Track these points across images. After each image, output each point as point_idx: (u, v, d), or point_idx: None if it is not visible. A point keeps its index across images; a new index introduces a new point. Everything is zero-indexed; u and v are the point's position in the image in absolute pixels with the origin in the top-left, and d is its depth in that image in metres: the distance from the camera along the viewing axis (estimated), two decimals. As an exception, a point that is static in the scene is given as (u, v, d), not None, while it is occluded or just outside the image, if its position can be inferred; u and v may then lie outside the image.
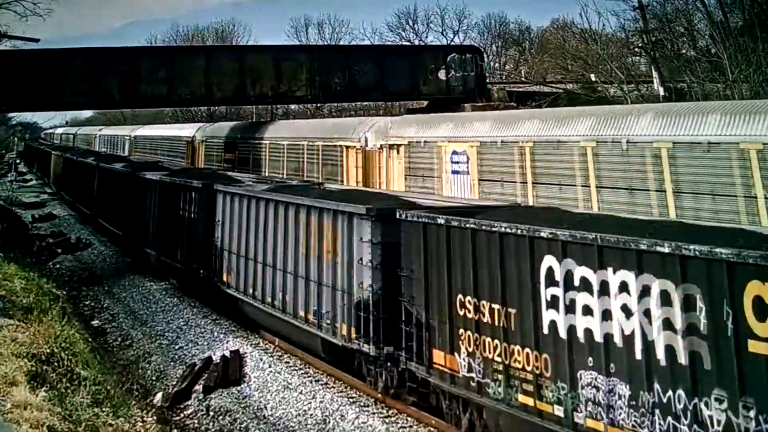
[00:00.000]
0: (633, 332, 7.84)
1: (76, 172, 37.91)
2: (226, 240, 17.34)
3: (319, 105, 46.10)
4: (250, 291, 16.02)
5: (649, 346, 7.66)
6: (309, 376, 13.60)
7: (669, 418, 7.44)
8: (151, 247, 22.21)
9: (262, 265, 15.52)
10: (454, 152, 20.20)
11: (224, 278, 17.39)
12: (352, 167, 24.36)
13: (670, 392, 7.44)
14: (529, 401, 9.08)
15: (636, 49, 31.69)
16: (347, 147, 24.61)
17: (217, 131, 37.83)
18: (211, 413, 13.10)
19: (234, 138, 34.67)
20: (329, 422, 11.79)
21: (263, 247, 15.52)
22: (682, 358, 7.34)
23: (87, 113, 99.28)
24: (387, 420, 11.49)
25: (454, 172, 20.13)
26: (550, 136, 17.21)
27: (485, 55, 37.84)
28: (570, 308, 8.56)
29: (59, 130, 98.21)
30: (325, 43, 60.92)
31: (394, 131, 22.97)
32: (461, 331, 10.17)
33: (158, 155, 43.70)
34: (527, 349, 9.12)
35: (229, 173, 23.87)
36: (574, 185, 16.35)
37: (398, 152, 22.33)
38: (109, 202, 28.85)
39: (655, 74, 25.98)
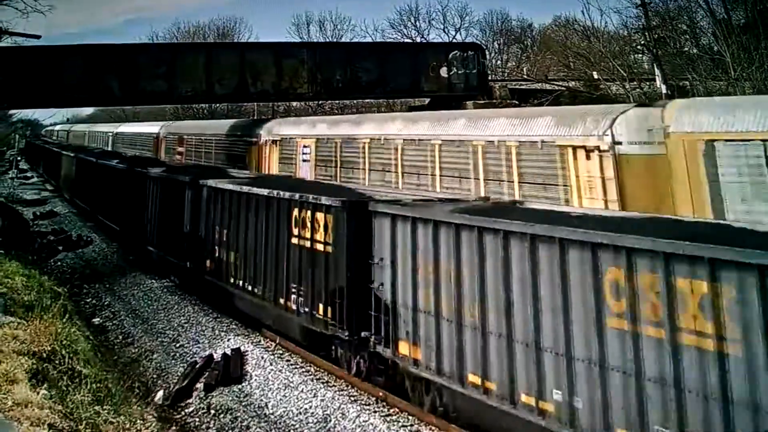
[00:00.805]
0: None
1: (97, 177, 32.08)
2: (402, 290, 11.40)
3: (320, 102, 46.10)
4: (478, 380, 10.06)
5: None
6: (310, 375, 13.57)
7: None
8: (235, 285, 16.60)
9: (506, 341, 9.59)
10: (304, 146, 27.29)
11: (403, 350, 11.42)
12: (251, 157, 31.58)
13: None
14: None
15: (638, 47, 31.64)
16: (254, 143, 31.37)
17: (174, 128, 45.66)
18: (212, 411, 13.08)
19: (183, 134, 41.96)
20: (330, 420, 11.77)
21: (503, 309, 9.63)
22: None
23: (88, 110, 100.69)
24: (388, 419, 11.47)
25: (304, 160, 27.36)
26: (350, 135, 24.38)
27: (487, 53, 37.76)
28: None
29: (57, 127, 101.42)
30: (327, 40, 60.92)
31: (275, 130, 29.86)
32: None
33: (133, 148, 50.93)
34: None
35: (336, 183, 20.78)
36: (359, 168, 23.25)
37: (276, 146, 29.27)
38: (148, 218, 23.10)
39: (657, 72, 25.92)
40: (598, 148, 15.16)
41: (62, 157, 45.71)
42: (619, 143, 15.01)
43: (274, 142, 29.71)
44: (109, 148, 55.91)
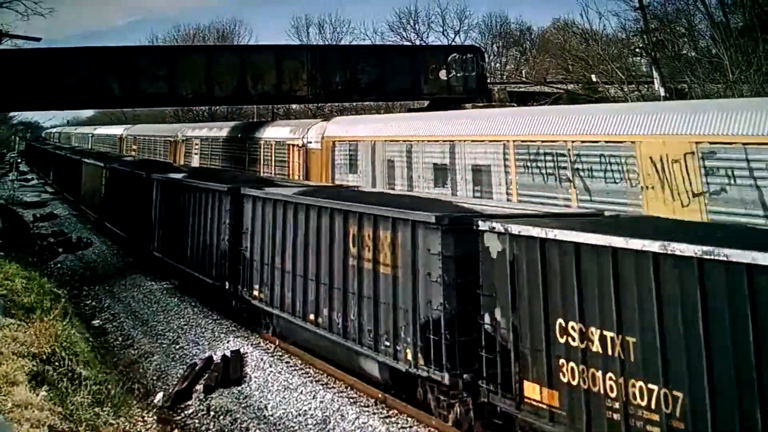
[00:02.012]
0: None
1: (154, 199, 22.56)
2: None
3: (320, 104, 46.10)
4: None
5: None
6: (309, 376, 13.61)
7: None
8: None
9: None
10: (195, 144, 38.59)
11: None
12: (171, 153, 42.43)
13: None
14: None
15: (637, 50, 31.71)
16: (173, 141, 42.75)
17: (132, 131, 56.84)
18: (212, 413, 13.12)
19: (136, 135, 53.85)
20: (329, 422, 11.81)
21: None
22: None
23: (87, 113, 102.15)
24: (387, 420, 11.51)
25: (195, 154, 38.34)
26: (212, 136, 35.85)
27: (486, 55, 37.78)
28: None
29: (54, 130, 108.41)
30: (326, 42, 60.94)
31: (183, 132, 42.09)
32: None
33: (105, 146, 62.60)
34: None
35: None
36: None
37: (186, 144, 40.37)
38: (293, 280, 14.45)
39: (655, 75, 25.99)
40: (299, 145, 27.00)
41: (83, 166, 36.09)
42: (310, 142, 26.26)
43: (183, 141, 40.67)
44: (89, 147, 65.67)
